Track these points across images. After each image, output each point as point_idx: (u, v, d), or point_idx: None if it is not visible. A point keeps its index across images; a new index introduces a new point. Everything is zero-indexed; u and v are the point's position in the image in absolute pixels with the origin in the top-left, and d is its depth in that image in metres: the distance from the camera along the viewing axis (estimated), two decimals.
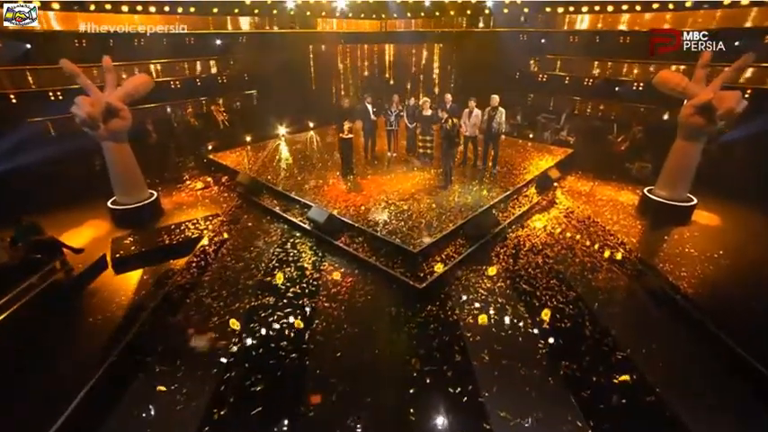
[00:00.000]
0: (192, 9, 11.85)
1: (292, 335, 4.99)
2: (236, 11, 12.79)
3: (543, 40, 13.48)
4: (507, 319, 5.16)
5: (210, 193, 9.46)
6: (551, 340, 4.83)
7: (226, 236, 7.35)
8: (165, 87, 11.69)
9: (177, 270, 6.32)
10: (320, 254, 6.70)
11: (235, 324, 5.17)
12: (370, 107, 9.51)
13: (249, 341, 4.89)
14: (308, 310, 5.41)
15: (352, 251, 6.51)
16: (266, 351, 4.75)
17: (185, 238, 7.22)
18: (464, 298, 5.56)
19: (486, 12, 14.11)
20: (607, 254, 6.69)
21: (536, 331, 4.97)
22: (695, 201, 7.89)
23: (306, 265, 6.39)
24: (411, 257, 6.10)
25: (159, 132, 11.16)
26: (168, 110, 11.79)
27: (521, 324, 5.08)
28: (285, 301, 5.60)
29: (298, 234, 7.34)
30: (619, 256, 6.60)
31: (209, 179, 10.23)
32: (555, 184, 9.05)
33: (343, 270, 6.27)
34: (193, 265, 6.48)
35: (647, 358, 4.56)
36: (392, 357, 4.64)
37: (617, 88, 12.12)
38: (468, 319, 5.16)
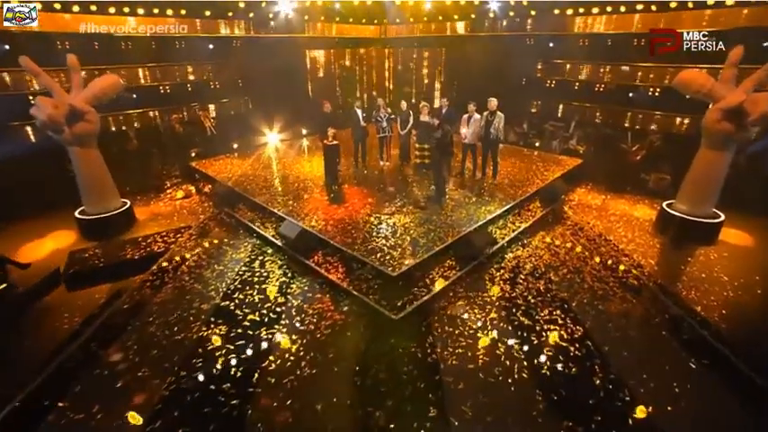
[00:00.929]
0: (183, 11, 11.42)
1: (239, 375, 4.17)
2: (230, 14, 12.32)
3: (551, 44, 12.66)
4: (498, 362, 4.27)
5: (190, 203, 8.80)
6: (552, 391, 3.91)
7: (189, 252, 6.61)
8: (153, 92, 11.21)
9: (128, 290, 5.59)
10: (290, 274, 5.90)
11: (173, 359, 4.37)
12: (359, 112, 8.78)
13: (186, 382, 4.09)
14: (263, 343, 4.60)
15: (323, 272, 5.70)
16: (203, 396, 3.93)
17: (149, 253, 6.53)
18: (448, 333, 4.68)
19: (491, 15, 13.43)
20: (621, 278, 5.75)
21: (533, 379, 4.06)
22: (722, 217, 6.92)
23: (271, 288, 5.59)
24: (390, 282, 5.26)
25: (143, 138, 10.59)
26: (152, 114, 11.22)
27: (515, 368, 4.17)
28: (239, 330, 4.80)
29: (269, 251, 6.57)
30: (635, 282, 5.66)
31: (191, 188, 9.60)
32: (562, 196, 8.15)
33: (311, 294, 5.45)
34: (147, 284, 5.75)
35: (675, 419, 3.62)
36: (352, 409, 3.78)
37: (631, 94, 11.21)
38: (451, 361, 4.28)
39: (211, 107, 12.41)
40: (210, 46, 12.27)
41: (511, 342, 4.52)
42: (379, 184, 8.41)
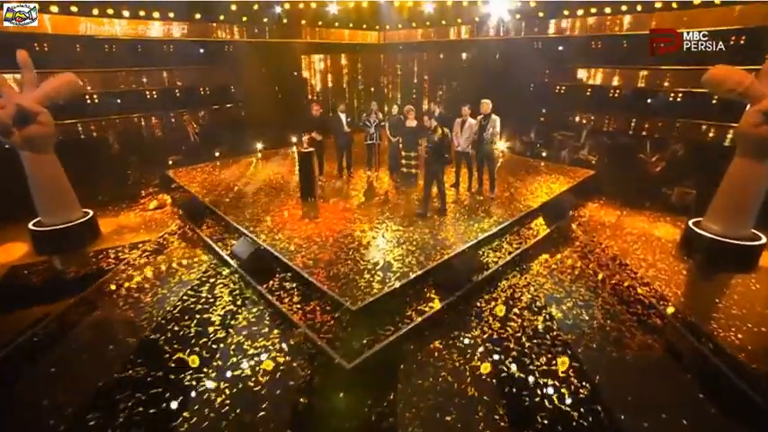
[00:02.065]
0: (171, 14, 10.89)
1: None
2: (222, 17, 11.74)
3: (561, 47, 11.72)
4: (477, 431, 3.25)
5: (162, 215, 8.02)
6: None
7: (137, 271, 5.77)
8: (138, 96, 10.63)
9: (47, 317, 4.75)
10: (239, 302, 4.99)
11: (65, 413, 3.47)
12: (343, 117, 7.94)
13: None
14: (182, 393, 3.67)
15: (274, 301, 4.77)
16: None
17: (94, 271, 5.75)
18: (415, 387, 3.68)
19: (496, 17, 12.57)
20: (640, 315, 4.67)
21: None
22: (763, 239, 5.80)
23: (213, 319, 4.68)
24: (350, 317, 4.30)
25: (126, 144, 9.95)
26: (136, 120, 10.60)
27: None
28: (160, 374, 3.89)
29: (225, 272, 5.68)
30: (658, 321, 4.58)
31: (166, 198, 8.86)
32: (570, 212, 7.11)
33: (257, 328, 4.51)
34: (72, 311, 4.91)
35: None
36: None
37: (649, 100, 10.16)
38: (414, 428, 3.27)
39: (210, 113, 11.85)
40: (201, 50, 11.73)
41: (495, 404, 3.49)
42: (362, 196, 7.50)
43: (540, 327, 4.44)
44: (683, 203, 7.80)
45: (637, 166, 9.14)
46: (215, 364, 4.01)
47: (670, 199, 8.07)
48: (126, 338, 4.40)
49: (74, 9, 9.46)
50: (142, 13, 10.40)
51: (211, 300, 5.04)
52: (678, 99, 9.57)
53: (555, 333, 4.35)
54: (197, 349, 4.20)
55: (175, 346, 4.25)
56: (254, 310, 4.84)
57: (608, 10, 10.43)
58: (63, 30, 9.31)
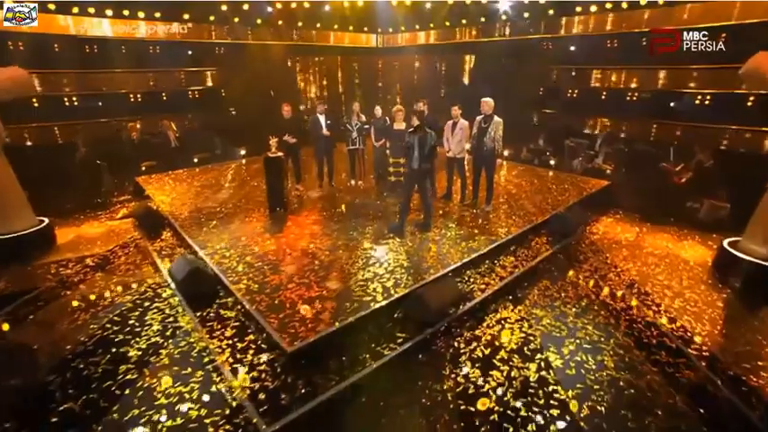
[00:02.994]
0: (158, 14, 10.38)
1: None
2: (212, 18, 11.19)
3: (573, 48, 10.76)
4: None
5: (128, 224, 7.32)
6: None
7: (64, 291, 5.00)
8: (121, 100, 10.09)
9: None
10: (168, 333, 4.13)
11: None
12: (322, 119, 7.13)
13: None
14: None
15: (203, 334, 3.89)
16: None
17: (22, 290, 5.02)
18: None
19: (504, 17, 11.73)
20: (664, 364, 3.62)
21: None
22: None
23: (130, 355, 3.82)
24: (285, 360, 3.39)
25: (103, 150, 9.34)
26: (114, 124, 10.04)
27: None
28: None
29: (166, 294, 4.84)
30: (688, 372, 3.53)
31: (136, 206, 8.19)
32: (579, 229, 6.08)
33: (177, 368, 3.63)
34: None
35: None
36: None
37: (672, 103, 9.07)
38: None
39: (190, 117, 11.26)
40: (189, 52, 11.21)
41: None
42: (337, 208, 6.64)
43: (531, 378, 3.44)
44: (714, 219, 6.70)
45: (658, 176, 8.03)
46: (110, 417, 3.15)
47: (698, 214, 6.97)
48: (16, 381, 3.59)
49: (51, 7, 9.03)
50: (126, 13, 9.94)
51: (137, 329, 4.20)
52: (706, 101, 8.47)
53: (551, 388, 3.34)
54: (94, 396, 3.35)
55: (70, 391, 3.41)
56: (183, 343, 3.97)
57: (624, 5, 9.45)
58: (42, 28, 8.84)
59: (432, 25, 13.25)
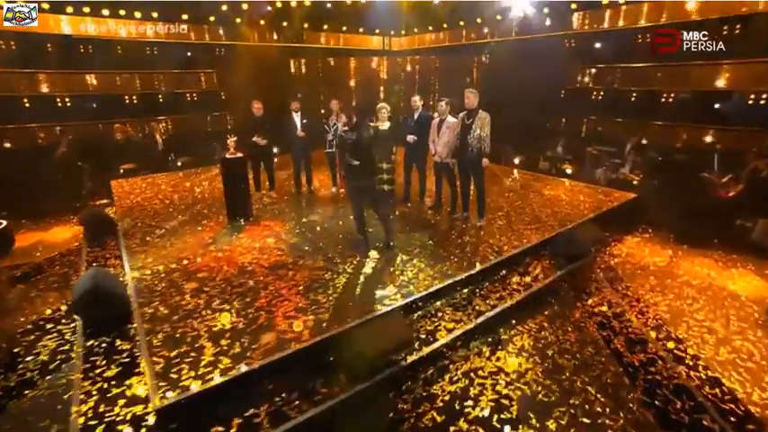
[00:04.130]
0: (155, 13, 10.05)
1: None
2: (212, 18, 10.80)
3: (599, 44, 9.56)
4: None
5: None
6: None
7: None
8: (116, 102, 9.74)
9: None
10: (53, 367, 3.33)
11: None
12: (296, 117, 6.33)
13: None
14: None
15: (77, 373, 3.06)
16: None
17: None
18: None
19: (522, 15, 10.69)
20: None
21: None
22: None
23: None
24: (155, 419, 2.50)
25: (87, 151, 8.98)
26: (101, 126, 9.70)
27: None
28: None
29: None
30: None
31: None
32: (592, 249, 4.92)
33: (32, 418, 2.82)
34: None
35: None
36: None
37: (717, 105, 7.70)
38: None
39: (194, 121, 10.84)
40: (188, 53, 10.83)
41: None
42: (307, 218, 5.76)
43: None
44: None
45: (699, 188, 6.68)
46: None
47: (750, 235, 5.61)
48: None
49: (45, 6, 8.81)
50: (122, 13, 9.66)
51: (18, 360, 3.45)
52: (762, 101, 7.08)
53: None
54: None
55: None
56: (63, 381, 3.17)
57: None
58: (37, 28, 8.64)
59: (444, 26, 12.40)
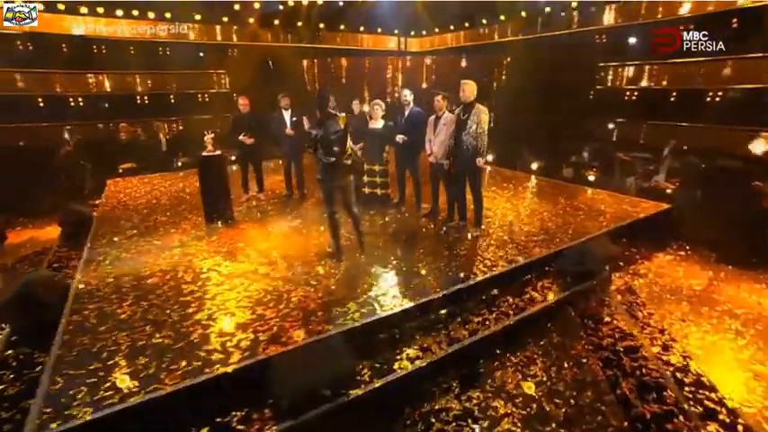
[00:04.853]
0: (168, 14, 10.08)
1: None
2: (225, 19, 10.75)
3: (633, 39, 8.65)
4: None
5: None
6: None
7: None
8: (125, 102, 9.78)
9: None
10: None
11: None
12: (286, 115, 5.95)
13: None
14: None
15: None
16: None
17: None
18: None
19: (547, 10, 9.99)
20: None
21: None
22: None
23: None
24: None
25: (89, 150, 9.06)
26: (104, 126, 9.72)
27: None
28: None
29: None
30: None
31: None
32: (605, 269, 4.15)
33: None
34: None
35: None
36: None
37: None
38: None
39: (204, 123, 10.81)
40: (201, 54, 10.84)
41: None
42: (292, 223, 5.31)
43: None
44: None
45: (748, 200, 5.68)
46: None
47: None
48: None
49: (61, 7, 8.99)
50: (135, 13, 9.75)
51: None
52: None
53: None
54: None
55: None
56: None
57: None
58: (49, 28, 8.85)
59: (467, 24, 11.81)
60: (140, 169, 8.55)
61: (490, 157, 8.85)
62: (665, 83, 8.15)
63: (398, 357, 2.85)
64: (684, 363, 3.13)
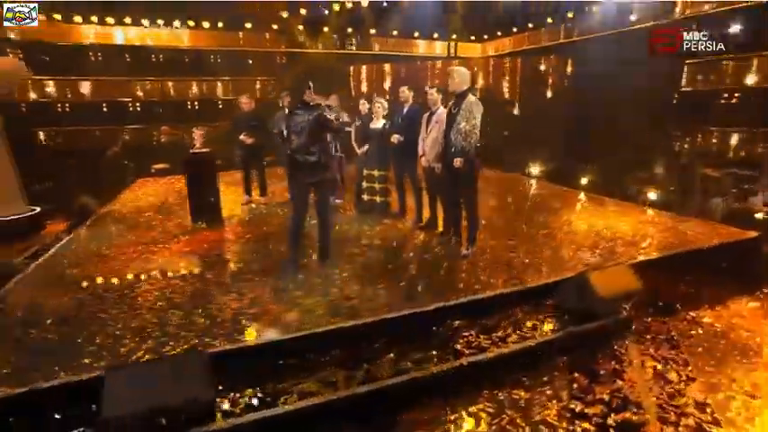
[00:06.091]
0: (221, 24, 10.70)
1: None
2: (248, 25, 10.93)
3: (728, 29, 7.03)
4: None
5: None
6: None
7: None
8: (177, 108, 10.50)
9: None
10: None
11: None
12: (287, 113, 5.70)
13: None
14: None
15: None
16: None
17: None
18: None
19: (595, 9, 8.85)
20: None
21: None
22: None
23: None
24: None
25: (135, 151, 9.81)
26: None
27: None
28: None
29: None
30: None
31: None
32: (624, 308, 3.05)
33: None
34: None
35: None
36: None
37: None
38: None
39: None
40: (250, 61, 11.34)
41: None
42: (278, 228, 4.97)
43: None
44: None
45: None
46: None
47: None
48: None
49: (110, 20, 9.76)
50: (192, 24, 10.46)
51: None
52: None
53: None
54: None
55: None
56: None
57: None
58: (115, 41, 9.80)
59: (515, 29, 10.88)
60: (172, 169, 8.98)
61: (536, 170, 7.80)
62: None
63: (288, 391, 2.25)
64: None
